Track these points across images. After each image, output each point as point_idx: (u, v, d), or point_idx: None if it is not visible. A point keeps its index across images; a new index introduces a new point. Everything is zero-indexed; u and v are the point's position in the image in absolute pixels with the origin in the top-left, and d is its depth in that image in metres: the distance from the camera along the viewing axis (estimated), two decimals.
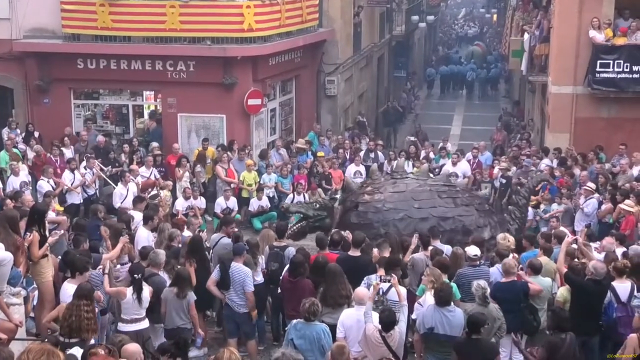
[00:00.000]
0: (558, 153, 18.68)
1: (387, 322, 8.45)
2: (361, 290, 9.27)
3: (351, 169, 19.06)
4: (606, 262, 10.49)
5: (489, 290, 9.24)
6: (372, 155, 20.18)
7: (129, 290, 9.83)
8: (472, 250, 10.66)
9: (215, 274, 10.83)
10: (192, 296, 10.13)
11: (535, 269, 10.32)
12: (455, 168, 18.53)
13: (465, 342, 8.44)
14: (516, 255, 11.26)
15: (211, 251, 12.05)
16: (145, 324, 9.96)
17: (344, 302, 9.69)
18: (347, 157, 20.01)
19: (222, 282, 10.68)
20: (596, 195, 15.18)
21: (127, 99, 20.67)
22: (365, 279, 10.12)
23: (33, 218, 10.54)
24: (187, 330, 10.11)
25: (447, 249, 11.44)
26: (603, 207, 14.91)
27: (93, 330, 8.23)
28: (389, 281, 9.57)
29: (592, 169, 17.26)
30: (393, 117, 30.20)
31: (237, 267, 10.50)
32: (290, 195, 17.83)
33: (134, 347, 7.22)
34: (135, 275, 9.88)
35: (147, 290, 9.91)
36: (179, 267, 10.61)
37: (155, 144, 18.94)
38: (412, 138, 23.96)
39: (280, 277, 10.95)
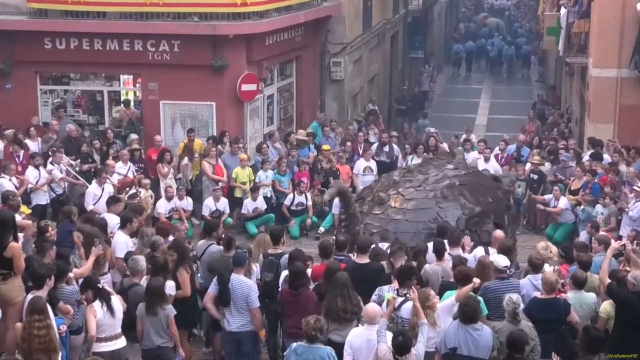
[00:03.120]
0: (593, 145, 18.62)
1: (402, 348, 8.38)
2: (372, 307, 9.21)
3: (360, 164, 19.01)
4: None
5: (521, 306, 9.16)
6: (385, 149, 20.10)
7: (97, 305, 9.77)
8: (502, 261, 10.54)
9: (212, 289, 10.67)
10: (170, 310, 10.07)
11: (579, 283, 10.26)
12: (487, 165, 18.32)
13: None
14: (557, 267, 11.17)
15: (198, 261, 12.00)
16: (122, 342, 9.93)
17: (352, 318, 9.64)
18: (360, 150, 19.94)
19: (221, 298, 10.57)
20: None
21: (101, 84, 20.62)
22: (377, 290, 10.08)
23: (8, 226, 10.41)
24: (168, 350, 10.06)
25: (471, 257, 11.37)
26: None
27: (53, 350, 8.15)
28: (405, 295, 9.51)
29: (638, 165, 17.17)
30: (410, 104, 30.17)
31: (239, 280, 10.41)
32: (290, 195, 17.82)
33: None
34: (98, 285, 9.85)
35: (116, 299, 9.88)
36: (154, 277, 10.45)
37: (134, 137, 18.91)
38: (433, 130, 23.91)
39: (276, 289, 10.93)
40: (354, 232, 13.45)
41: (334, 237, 12.48)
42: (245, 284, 10.44)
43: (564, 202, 16.55)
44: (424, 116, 28.79)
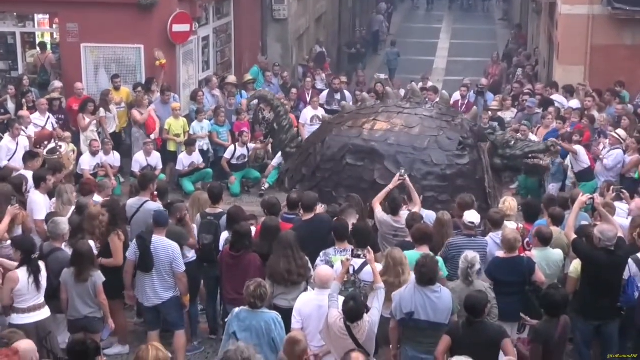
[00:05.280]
0: (565, 92, 18.87)
1: (353, 314, 8.47)
2: (324, 270, 9.29)
3: (307, 113, 19.09)
4: (631, 229, 10.67)
5: (477, 267, 9.32)
6: (337, 96, 20.19)
7: (23, 273, 9.74)
8: (470, 217, 10.70)
9: (131, 254, 10.61)
10: (99, 277, 10.10)
11: (544, 240, 10.39)
12: None
13: (465, 328, 8.56)
14: (520, 225, 11.34)
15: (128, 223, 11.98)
16: (45, 312, 9.91)
17: (298, 280, 9.77)
18: (307, 98, 20.04)
19: (143, 263, 10.51)
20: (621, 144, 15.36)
21: (13, 24, 20.29)
22: (322, 254, 10.19)
23: None
24: (96, 321, 10.12)
25: (427, 214, 11.50)
26: (627, 158, 15.16)
27: None
28: (360, 256, 9.61)
29: (612, 110, 17.48)
30: (360, 48, 30.28)
31: (162, 242, 10.42)
32: (231, 147, 17.81)
33: (26, 345, 7.19)
34: (33, 256, 9.80)
35: (44, 270, 9.86)
36: (80, 240, 10.45)
37: (58, 84, 18.69)
38: (383, 75, 24.01)
39: (216, 252, 11.01)
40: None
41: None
42: (169, 245, 10.43)
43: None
44: (392, 44, 28.75)
